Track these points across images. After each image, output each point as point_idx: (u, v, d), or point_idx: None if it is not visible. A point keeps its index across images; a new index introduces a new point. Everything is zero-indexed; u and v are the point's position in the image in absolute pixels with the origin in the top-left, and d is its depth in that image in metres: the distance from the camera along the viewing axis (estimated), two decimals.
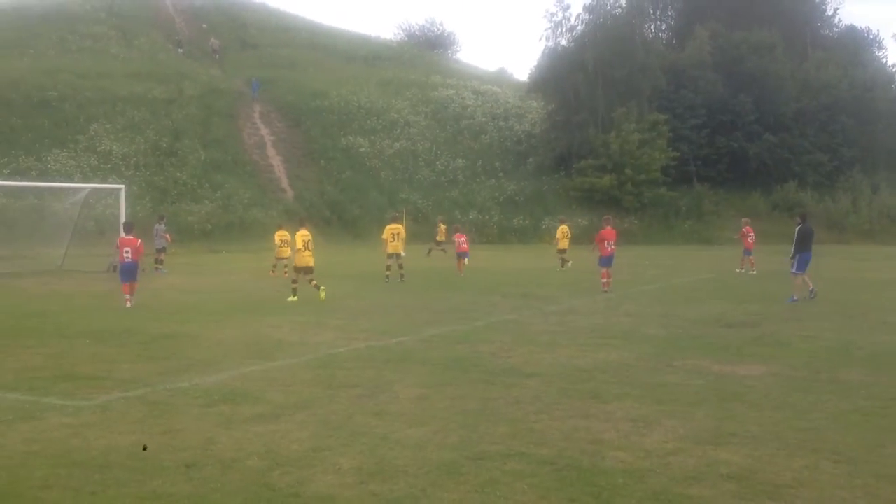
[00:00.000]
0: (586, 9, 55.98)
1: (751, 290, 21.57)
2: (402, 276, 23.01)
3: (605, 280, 20.90)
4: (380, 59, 70.97)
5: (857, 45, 66.65)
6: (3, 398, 8.96)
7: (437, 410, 8.50)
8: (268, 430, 7.73)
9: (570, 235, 29.40)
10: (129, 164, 42.54)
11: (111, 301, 17.99)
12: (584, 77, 52.69)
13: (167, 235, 28.05)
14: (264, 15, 75.93)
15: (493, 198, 50.44)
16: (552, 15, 57.02)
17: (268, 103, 54.71)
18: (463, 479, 6.42)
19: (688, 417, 8.28)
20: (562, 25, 56.96)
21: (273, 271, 25.04)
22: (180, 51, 61.37)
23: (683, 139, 54.97)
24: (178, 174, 43.34)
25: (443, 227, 34.50)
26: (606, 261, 21.09)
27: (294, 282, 18.85)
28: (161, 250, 27.41)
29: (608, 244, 21.17)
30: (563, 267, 27.52)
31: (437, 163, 52.74)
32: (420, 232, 39.62)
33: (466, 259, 26.12)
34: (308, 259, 19.01)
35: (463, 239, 26.56)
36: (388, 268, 23.18)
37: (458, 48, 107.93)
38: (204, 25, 67.64)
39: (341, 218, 45.29)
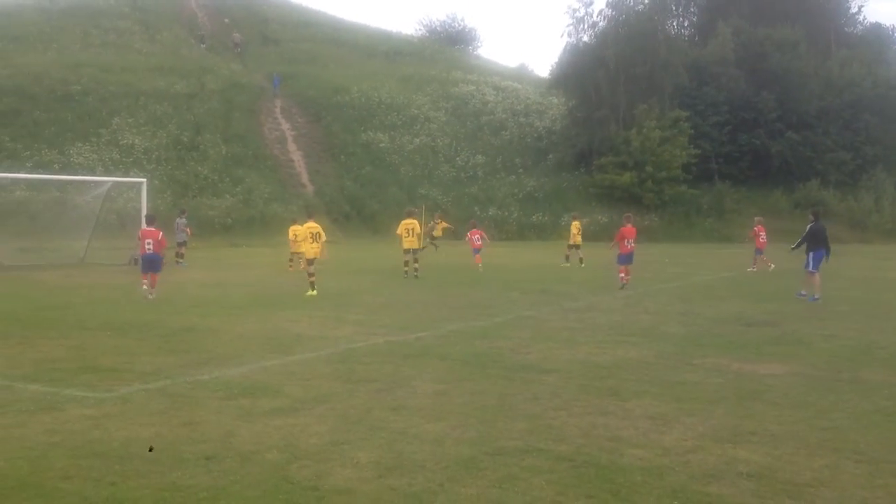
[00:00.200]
0: (609, 5, 55.91)
1: (771, 288, 21.42)
2: (416, 270, 23.01)
3: (622, 275, 20.86)
4: (401, 55, 70.96)
5: (882, 42, 66.09)
6: (24, 389, 9.03)
7: (456, 406, 8.49)
8: (287, 423, 7.76)
9: (582, 232, 29.40)
10: (150, 158, 42.78)
11: (132, 294, 18.12)
12: (606, 73, 52.54)
13: (188, 229, 28.28)
14: (286, 10, 76.08)
15: (513, 194, 50.36)
16: (574, 11, 57.05)
17: (289, 98, 54.86)
18: (481, 474, 6.41)
19: (707, 415, 8.23)
20: (584, 21, 56.94)
21: (291, 266, 25.13)
22: (203, 46, 61.62)
23: (705, 136, 54.67)
24: (200, 168, 43.56)
25: (441, 223, 34.14)
26: (625, 258, 21.01)
27: (311, 275, 18.93)
28: (182, 244, 27.60)
29: (628, 242, 21.07)
30: (567, 262, 27.60)
31: (457, 159, 52.72)
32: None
33: (478, 254, 26.15)
34: (315, 251, 19.09)
35: (476, 236, 26.53)
36: (405, 263, 23.20)
37: (479, 44, 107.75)
38: (226, 20, 67.88)
39: (360, 213, 45.39)
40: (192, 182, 42.55)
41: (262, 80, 56.41)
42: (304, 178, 47.67)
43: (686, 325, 14.69)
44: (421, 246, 23.80)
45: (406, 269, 23.09)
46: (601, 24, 56.30)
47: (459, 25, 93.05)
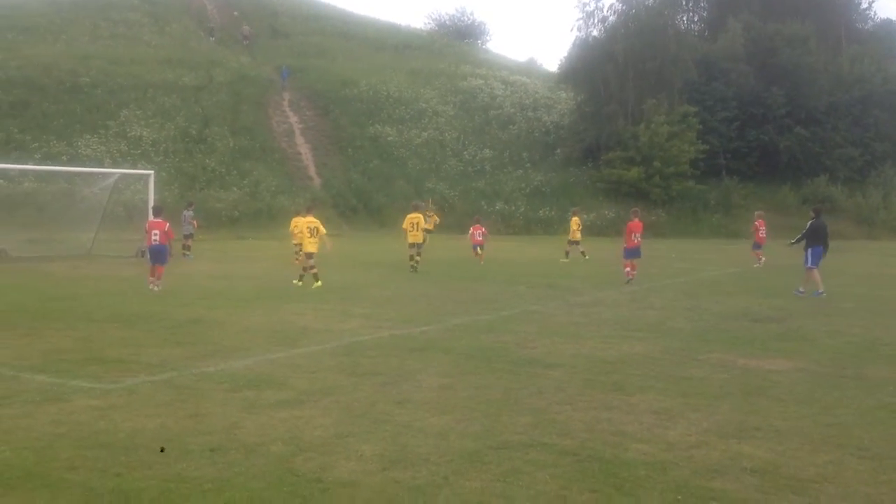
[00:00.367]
0: None
1: (777, 284, 21.37)
2: (417, 264, 22.94)
3: (628, 269, 20.87)
4: (409, 49, 70.85)
5: (893, 38, 65.80)
6: (31, 380, 9.08)
7: (460, 399, 8.51)
8: (292, 415, 7.79)
9: (581, 227, 29.47)
10: (158, 150, 42.79)
11: (139, 286, 18.18)
12: (615, 68, 52.35)
13: (195, 222, 28.31)
14: (295, 3, 75.97)
15: (520, 189, 50.27)
16: (584, 5, 56.73)
17: (297, 91, 54.82)
18: (485, 467, 6.43)
19: (712, 411, 8.24)
20: (594, 16, 56.65)
21: (297, 259, 25.14)
22: (212, 38, 61.64)
23: (713, 132, 54.44)
24: (207, 161, 43.56)
25: (434, 217, 33.87)
26: (631, 252, 21.02)
27: (312, 268, 19.01)
28: (189, 236, 27.62)
29: (635, 236, 21.10)
30: (567, 258, 27.61)
31: (465, 153, 52.64)
32: (445, 222, 39.58)
33: (479, 248, 26.16)
34: (311, 245, 19.15)
35: (479, 232, 26.52)
36: (411, 257, 23.20)
37: (488, 38, 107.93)
38: (235, 13, 67.86)
39: (367, 206, 45.35)
40: (200, 174, 42.54)
41: (271, 73, 56.36)
42: (312, 171, 47.65)
43: (692, 320, 14.69)
44: (423, 240, 23.77)
45: (412, 263, 23.10)
46: (611, 18, 56.08)
47: (469, 19, 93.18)
